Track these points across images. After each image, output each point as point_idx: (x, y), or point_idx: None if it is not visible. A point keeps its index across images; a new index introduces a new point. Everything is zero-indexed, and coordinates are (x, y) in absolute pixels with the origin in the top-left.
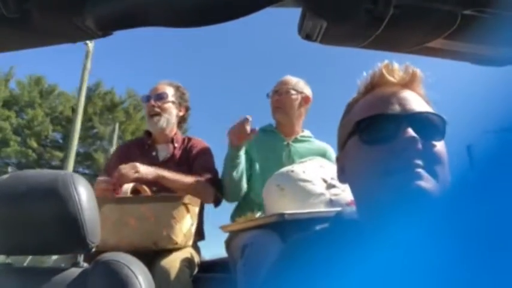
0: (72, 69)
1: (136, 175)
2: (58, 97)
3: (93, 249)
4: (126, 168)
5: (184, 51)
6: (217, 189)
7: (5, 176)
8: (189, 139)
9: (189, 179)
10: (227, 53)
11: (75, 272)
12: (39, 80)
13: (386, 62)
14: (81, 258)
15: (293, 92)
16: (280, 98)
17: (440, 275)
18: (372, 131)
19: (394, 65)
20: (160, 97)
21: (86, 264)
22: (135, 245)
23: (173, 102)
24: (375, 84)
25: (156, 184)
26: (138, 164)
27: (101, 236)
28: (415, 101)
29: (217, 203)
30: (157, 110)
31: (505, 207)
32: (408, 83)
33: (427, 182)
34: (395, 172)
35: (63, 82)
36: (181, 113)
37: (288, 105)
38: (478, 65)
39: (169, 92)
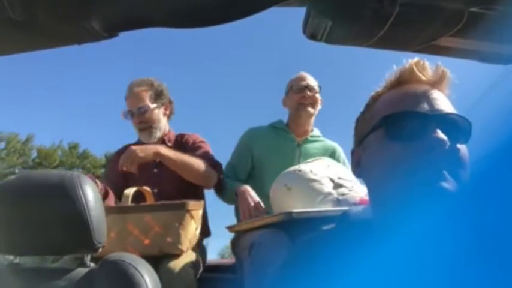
0: (99, 136)
1: (136, 160)
2: (88, 158)
3: (100, 250)
4: (125, 156)
5: (185, 50)
6: (219, 172)
7: (13, 177)
8: (182, 135)
9: (191, 160)
10: (229, 53)
11: (81, 272)
12: (76, 146)
13: (416, 58)
14: (87, 258)
15: (317, 88)
16: (312, 94)
17: (454, 275)
18: (399, 127)
19: (424, 63)
20: (143, 111)
21: (92, 264)
22: (141, 253)
23: (157, 108)
24: (403, 80)
25: (158, 186)
26: (134, 147)
27: (105, 246)
28: (444, 102)
29: (219, 188)
30: (146, 125)
31: None
32: (437, 82)
33: (450, 185)
34: (420, 171)
35: (92, 146)
36: (167, 112)
37: (315, 103)
38: (485, 63)
39: (148, 98)
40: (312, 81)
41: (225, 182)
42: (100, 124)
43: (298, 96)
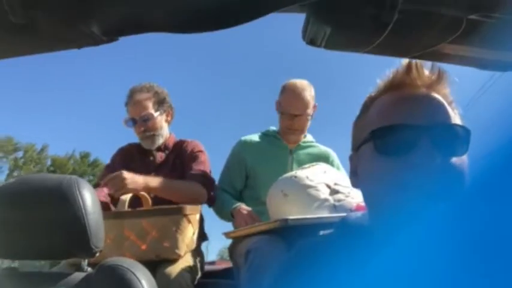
0: (108, 145)
1: (123, 189)
2: (98, 167)
3: (97, 255)
4: (113, 180)
5: (185, 54)
6: (209, 189)
7: (11, 180)
8: (183, 142)
9: (178, 185)
10: (229, 57)
11: (78, 276)
12: (87, 155)
13: (409, 61)
14: (85, 262)
15: (309, 111)
16: (301, 122)
17: (449, 283)
18: (388, 141)
19: (418, 65)
20: (146, 119)
21: (89, 269)
22: (137, 258)
23: (159, 115)
24: (396, 84)
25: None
26: (125, 174)
27: (102, 252)
28: (438, 109)
29: (211, 203)
30: (149, 133)
31: None
32: (433, 84)
33: (440, 201)
34: (409, 187)
35: (102, 155)
36: (169, 118)
37: (305, 126)
38: (484, 69)
39: (151, 106)
40: (304, 104)
41: (218, 198)
42: (109, 133)
43: (287, 123)
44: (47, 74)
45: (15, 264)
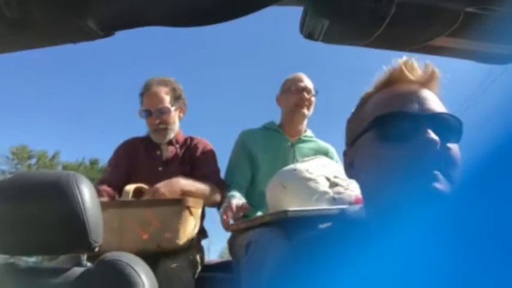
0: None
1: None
2: None
3: (96, 250)
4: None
5: (183, 49)
6: (223, 192)
7: (10, 176)
8: (192, 139)
9: (205, 188)
10: (226, 51)
11: (78, 271)
12: (96, 161)
13: (405, 58)
14: (84, 257)
15: (314, 92)
16: (309, 97)
17: (448, 275)
18: (391, 128)
19: (413, 63)
20: (162, 112)
21: (89, 264)
22: (139, 248)
23: (174, 110)
24: (393, 80)
25: None
26: (163, 192)
27: (104, 241)
28: (434, 101)
29: (219, 207)
30: (162, 126)
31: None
32: (426, 81)
33: (443, 185)
34: (412, 172)
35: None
36: (181, 114)
37: (311, 105)
38: (481, 63)
39: (168, 100)
40: (309, 83)
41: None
42: (117, 140)
43: (296, 98)
44: (55, 82)
45: (14, 259)
